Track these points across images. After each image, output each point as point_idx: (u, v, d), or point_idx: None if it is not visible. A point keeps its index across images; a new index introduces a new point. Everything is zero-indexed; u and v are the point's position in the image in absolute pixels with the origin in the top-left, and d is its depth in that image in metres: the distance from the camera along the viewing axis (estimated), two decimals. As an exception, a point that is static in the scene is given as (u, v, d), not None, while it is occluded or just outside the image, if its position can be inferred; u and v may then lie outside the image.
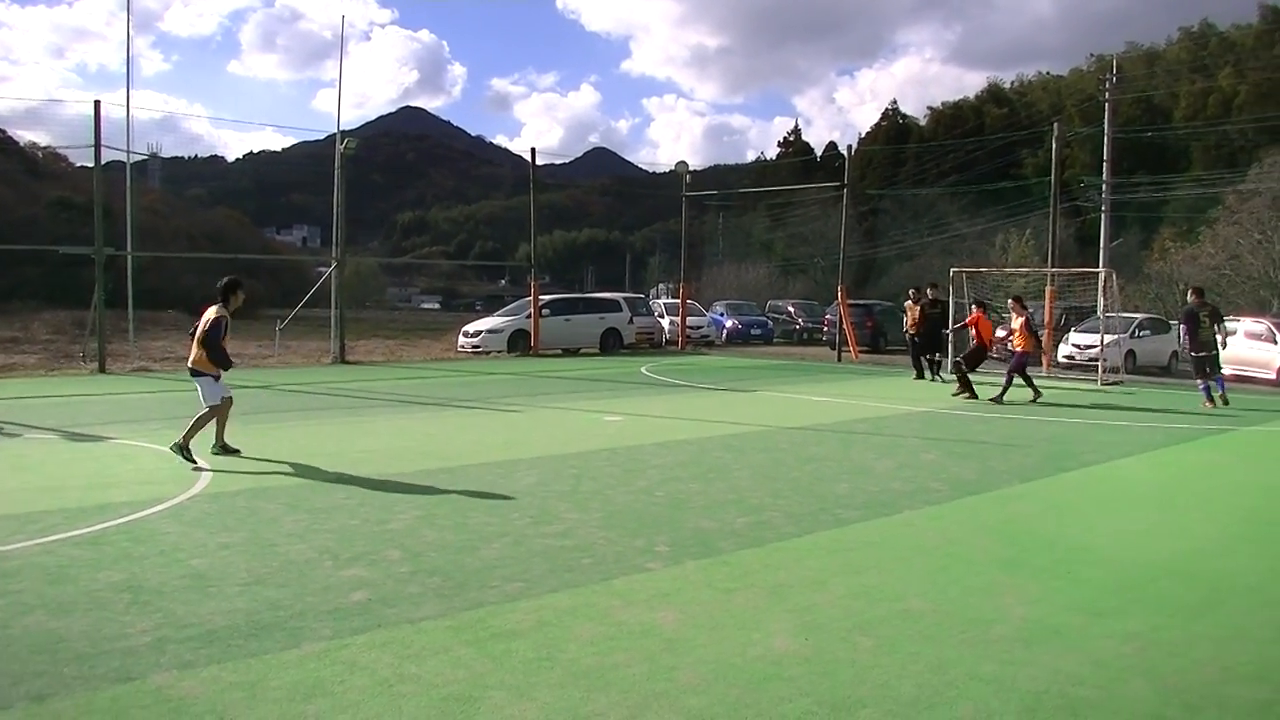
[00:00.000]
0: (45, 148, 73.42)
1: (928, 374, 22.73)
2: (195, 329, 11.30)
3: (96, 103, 23.75)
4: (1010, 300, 19.93)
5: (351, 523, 8.13)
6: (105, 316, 23.83)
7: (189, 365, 11.38)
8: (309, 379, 22.11)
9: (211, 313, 11.13)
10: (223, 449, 11.34)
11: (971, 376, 18.89)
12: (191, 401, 11.70)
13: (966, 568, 7.09)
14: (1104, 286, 24.88)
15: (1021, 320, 18.56)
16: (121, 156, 26.64)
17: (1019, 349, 18.46)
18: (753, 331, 40.77)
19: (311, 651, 5.21)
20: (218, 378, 11.18)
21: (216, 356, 11.01)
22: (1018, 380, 18.32)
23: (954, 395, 18.68)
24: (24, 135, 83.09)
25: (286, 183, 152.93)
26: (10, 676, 4.83)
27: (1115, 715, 4.64)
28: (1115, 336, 24.76)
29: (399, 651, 5.23)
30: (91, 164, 24.50)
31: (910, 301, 23.13)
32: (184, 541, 7.42)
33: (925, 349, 22.77)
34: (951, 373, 18.98)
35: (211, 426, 11.27)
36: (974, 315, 19.47)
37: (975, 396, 18.21)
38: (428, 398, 18.61)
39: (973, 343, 19.22)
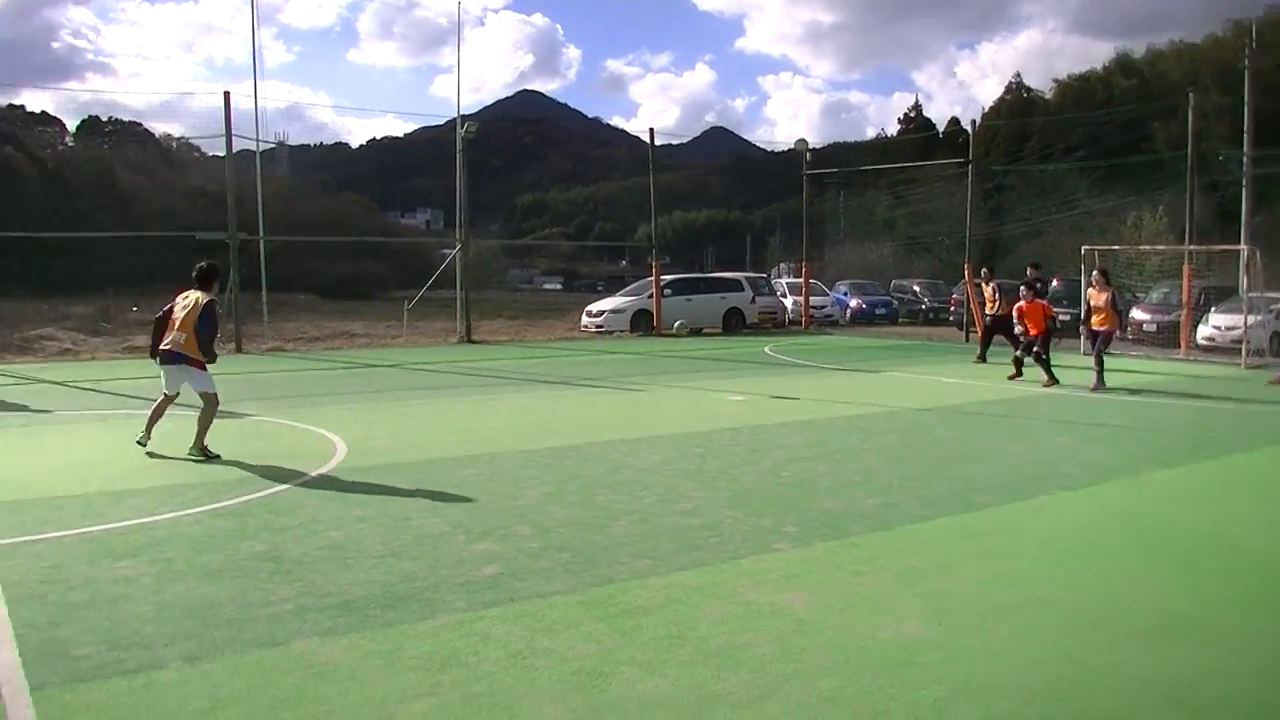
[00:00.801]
0: (179, 139, 76.25)
1: (1020, 356, 21.64)
2: (171, 311, 10.28)
3: (226, 94, 24.54)
4: (1094, 273, 18.93)
5: (481, 498, 8.27)
6: (240, 299, 24.63)
7: (172, 349, 10.18)
8: (437, 358, 22.56)
9: (202, 297, 10.24)
10: (146, 439, 10.24)
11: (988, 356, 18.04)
12: (319, 380, 12.02)
13: (1101, 555, 6.87)
14: (1246, 265, 23.78)
15: (1106, 296, 17.63)
16: (251, 145, 27.46)
17: (1103, 328, 17.51)
18: (877, 311, 40.10)
19: (446, 623, 5.32)
20: (204, 368, 10.30)
21: (209, 348, 10.24)
22: (1028, 359, 17.64)
23: (1044, 386, 17.83)
24: (159, 127, 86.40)
25: (408, 167, 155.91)
26: (164, 638, 5.05)
27: (1264, 713, 4.46)
28: (1259, 317, 23.67)
29: (531, 625, 5.30)
30: (222, 153, 25.34)
31: (983, 281, 22.24)
32: (321, 514, 7.65)
33: (1001, 330, 21.39)
34: (1028, 361, 17.99)
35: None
36: (1023, 304, 18.32)
37: (1057, 381, 17.25)
38: (553, 376, 18.80)
39: (1025, 331, 18.10)
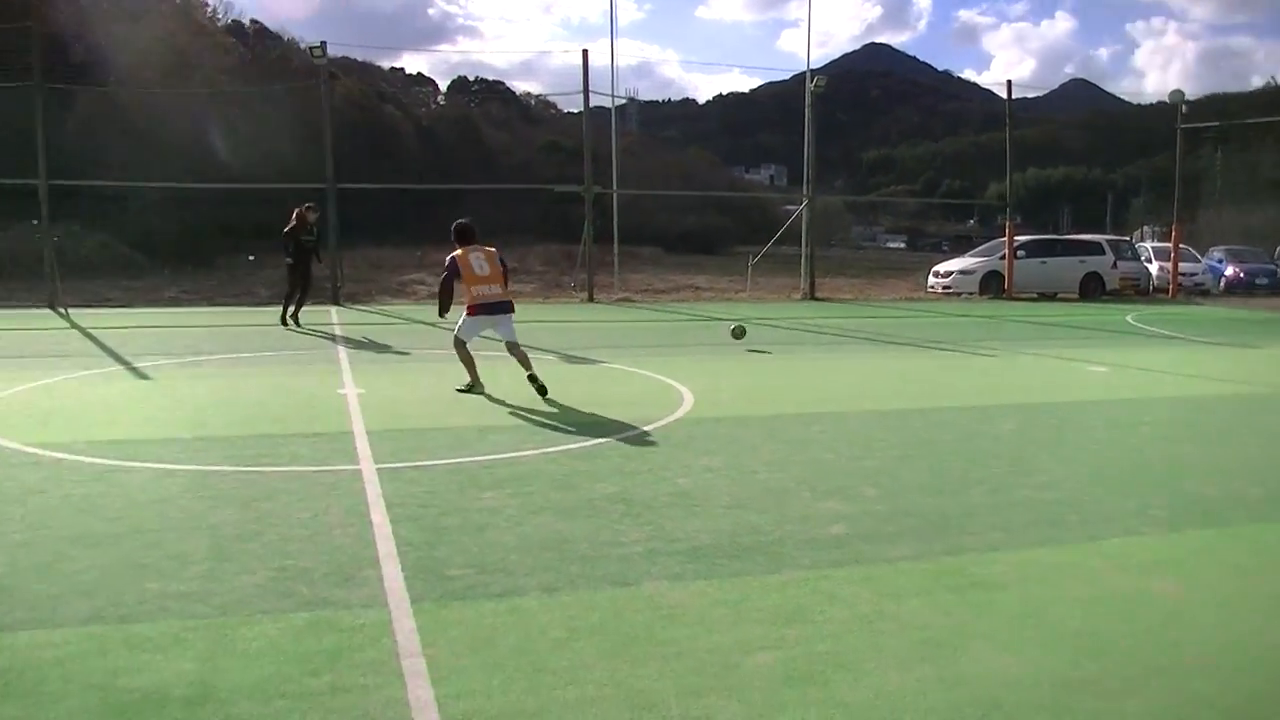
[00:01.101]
0: (537, 96, 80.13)
1: None
2: (468, 268, 10.82)
3: (584, 52, 25.51)
4: None
5: (827, 456, 8.20)
6: (593, 250, 25.67)
7: (506, 299, 11.09)
8: (780, 314, 22.64)
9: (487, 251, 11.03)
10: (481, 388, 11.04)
11: None
12: (666, 332, 12.28)
13: None
14: None
15: None
16: (605, 102, 28.51)
17: None
18: (1258, 281, 36.30)
19: (791, 578, 5.29)
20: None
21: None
22: None
23: None
24: (519, 85, 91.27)
25: (753, 123, 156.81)
26: (525, 568, 5.33)
27: None
28: None
29: (878, 589, 5.18)
30: (576, 109, 26.40)
31: None
32: (670, 461, 7.84)
33: None
34: None
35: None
36: None
37: None
38: (898, 337, 18.38)
39: None
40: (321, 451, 8.03)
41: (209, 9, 66.29)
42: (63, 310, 20.96)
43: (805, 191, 29.19)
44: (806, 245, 28.37)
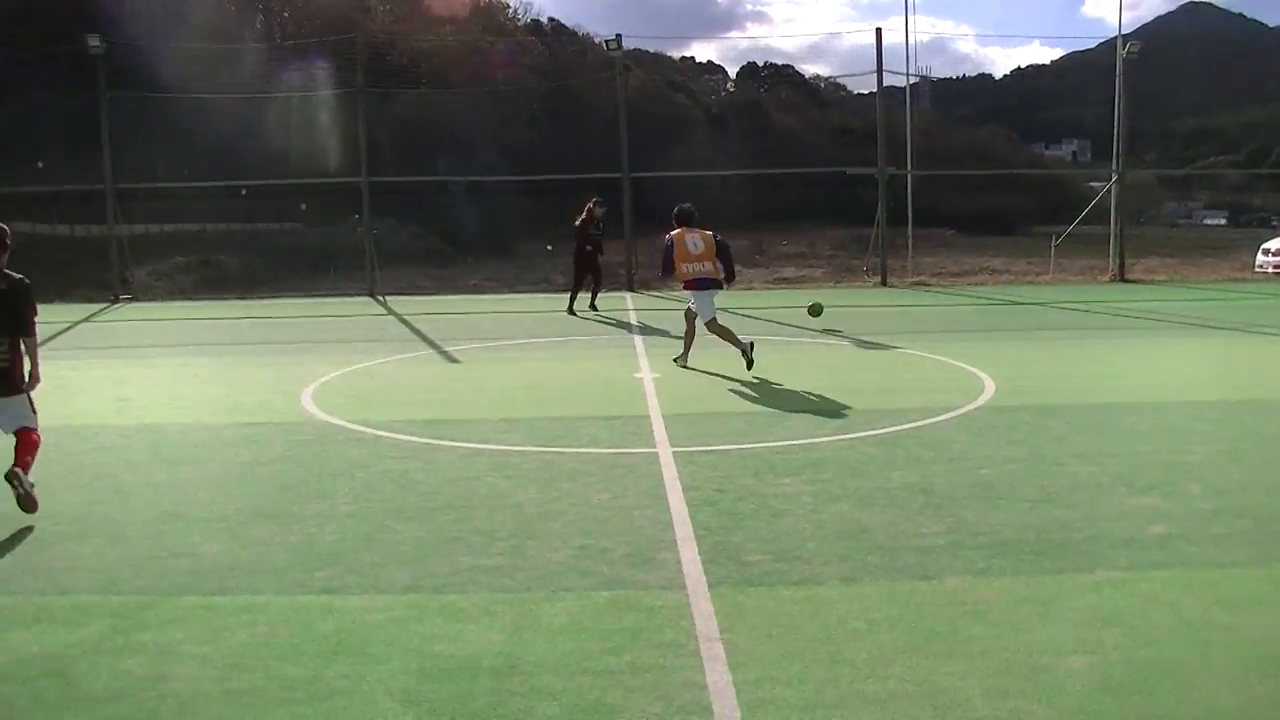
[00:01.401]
0: (827, 79, 79.21)
1: None
2: (684, 249, 11.66)
3: (878, 30, 24.89)
4: None
5: (1143, 449, 7.66)
6: (886, 233, 25.11)
7: (713, 276, 11.77)
8: (1086, 297, 21.35)
9: (709, 234, 11.89)
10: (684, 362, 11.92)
11: None
12: (963, 316, 11.84)
13: None
14: None
15: None
16: (897, 81, 27.78)
17: None
18: None
19: (1107, 579, 4.96)
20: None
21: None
22: None
23: None
24: (808, 69, 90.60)
25: (1054, 96, 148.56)
26: (823, 556, 5.25)
27: None
28: None
29: (1206, 595, 4.77)
30: (865, 90, 25.84)
31: None
32: (971, 451, 7.54)
33: None
34: None
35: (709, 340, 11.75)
36: None
37: None
38: (1222, 322, 16.92)
39: None
40: (619, 434, 8.25)
41: (510, 9, 69.59)
42: (380, 298, 22.57)
43: (1114, 166, 27.37)
44: (1116, 224, 26.62)
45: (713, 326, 11.59)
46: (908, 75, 30.07)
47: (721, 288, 11.97)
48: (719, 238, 11.96)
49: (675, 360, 12.01)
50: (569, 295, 18.63)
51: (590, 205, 18.33)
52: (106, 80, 24.52)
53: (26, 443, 6.37)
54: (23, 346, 6.33)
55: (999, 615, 4.51)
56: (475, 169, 36.23)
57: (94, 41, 23.75)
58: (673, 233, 12.01)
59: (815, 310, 15.78)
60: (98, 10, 36.11)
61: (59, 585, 5.10)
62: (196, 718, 3.72)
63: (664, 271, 12.47)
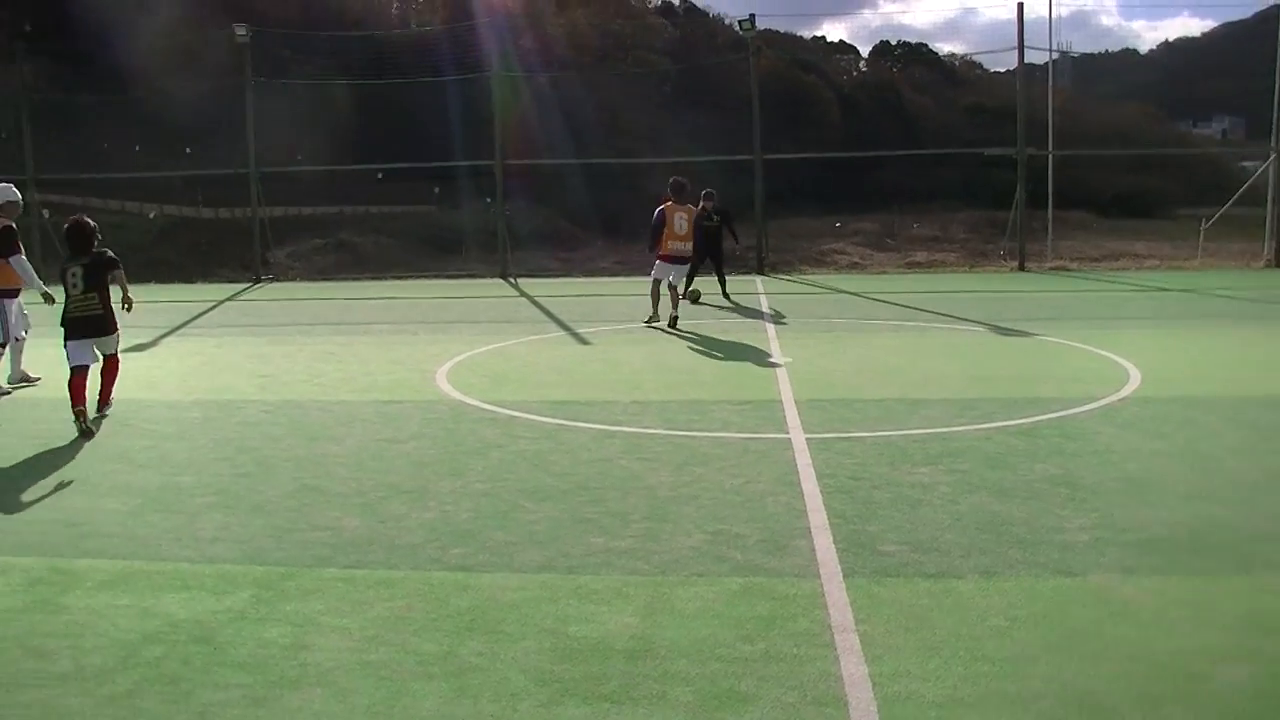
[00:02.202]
0: (961, 56, 77.38)
1: None
2: (671, 224, 13.64)
3: (1019, 4, 24.10)
4: None
5: (1307, 447, 7.26)
6: (1025, 216, 24.39)
7: (689, 256, 14.34)
8: (1239, 283, 20.35)
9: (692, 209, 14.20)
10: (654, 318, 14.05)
11: None
12: (1105, 302, 11.36)
13: None
14: None
15: None
16: (1036, 58, 26.87)
17: None
18: None
19: (1269, 583, 4.71)
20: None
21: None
22: None
23: None
24: (943, 47, 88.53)
25: (1203, 70, 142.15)
26: (961, 548, 5.11)
27: None
28: None
29: (1381, 603, 4.49)
30: (1002, 68, 25.09)
31: None
32: (1116, 443, 7.26)
33: None
34: None
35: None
36: None
37: None
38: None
39: None
40: (751, 419, 8.18)
41: (642, -9, 69.78)
42: (512, 279, 22.86)
43: (1272, 144, 26.07)
44: (1273, 204, 25.34)
45: (657, 287, 13.96)
46: (1050, 51, 29.13)
47: (689, 265, 14.45)
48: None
49: (646, 322, 14.07)
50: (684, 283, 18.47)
51: (702, 197, 18.29)
52: (251, 68, 25.32)
53: (113, 368, 9.01)
54: (112, 296, 8.74)
55: (1149, 616, 4.32)
56: (605, 152, 36.46)
57: (240, 31, 24.57)
58: (664, 206, 13.49)
59: (694, 297, 16.85)
60: (250, 4, 37.43)
61: (206, 554, 5.29)
62: (335, 688, 3.80)
63: (651, 246, 13.86)
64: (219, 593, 4.77)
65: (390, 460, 7.15)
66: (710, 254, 18.21)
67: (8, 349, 10.24)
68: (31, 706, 3.73)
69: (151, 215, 40.67)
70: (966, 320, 14.10)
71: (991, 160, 32.11)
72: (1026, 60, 24.94)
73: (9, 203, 10.17)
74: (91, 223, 8.82)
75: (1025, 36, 23.90)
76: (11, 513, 6.13)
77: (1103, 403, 8.61)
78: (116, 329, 8.81)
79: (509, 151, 25.41)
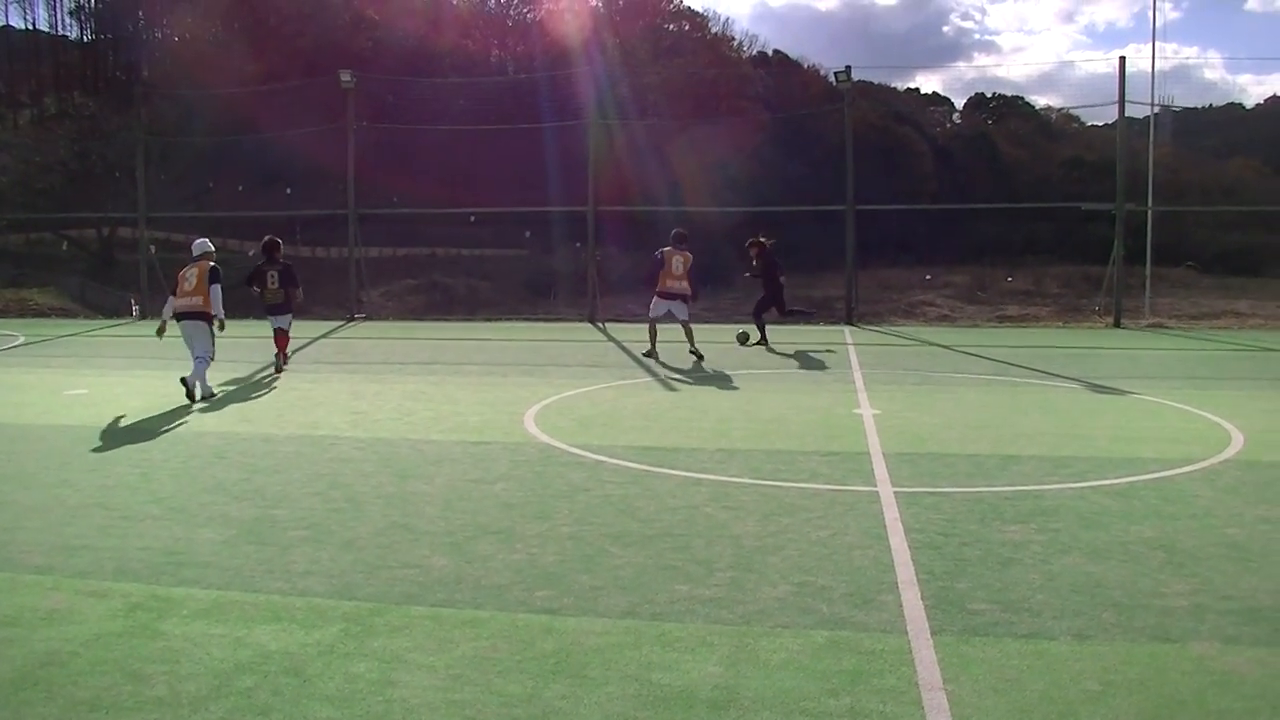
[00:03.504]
0: (1058, 110, 76.49)
1: None
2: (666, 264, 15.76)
3: (1121, 59, 23.85)
4: None
5: None
6: (1122, 271, 23.92)
7: (685, 291, 15.78)
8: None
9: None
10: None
11: None
12: (1206, 362, 11.07)
13: None
14: None
15: None
16: (1136, 111, 26.41)
17: None
18: None
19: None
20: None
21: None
22: None
23: None
24: (1038, 100, 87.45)
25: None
26: (1053, 610, 5.00)
27: None
28: None
29: None
30: (1100, 122, 24.75)
31: None
32: (1217, 507, 7.04)
33: None
34: None
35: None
36: None
37: None
38: None
39: None
40: (839, 470, 8.11)
41: (735, 42, 70.31)
42: (600, 324, 23.01)
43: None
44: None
45: (654, 324, 16.11)
46: (1151, 105, 28.63)
47: (687, 302, 15.77)
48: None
49: (645, 354, 16.02)
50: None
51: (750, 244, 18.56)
52: (354, 112, 26.05)
53: (284, 337, 15.02)
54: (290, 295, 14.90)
55: (1253, 689, 4.18)
56: (696, 199, 36.66)
57: (345, 77, 25.31)
58: (664, 250, 15.70)
59: (742, 338, 18.11)
60: (350, 49, 38.54)
61: (297, 586, 5.39)
62: (421, 726, 3.84)
63: (648, 282, 15.95)
64: (309, 626, 4.85)
65: (478, 501, 7.23)
66: (766, 298, 18.29)
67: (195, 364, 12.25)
68: (129, 730, 3.84)
69: (251, 253, 41.89)
70: (1060, 376, 13.82)
71: (1088, 214, 31.63)
72: (1127, 114, 24.57)
73: (208, 253, 12.71)
74: (281, 241, 15.24)
75: (1126, 90, 23.57)
76: (114, 539, 6.31)
77: (1203, 465, 8.36)
78: (289, 311, 15.03)
79: (601, 197, 25.72)
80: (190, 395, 11.81)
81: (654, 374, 14.30)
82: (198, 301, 12.23)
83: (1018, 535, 6.26)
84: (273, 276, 14.64)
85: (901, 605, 5.05)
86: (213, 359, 12.42)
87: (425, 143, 41.09)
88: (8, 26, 77.55)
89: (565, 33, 55.86)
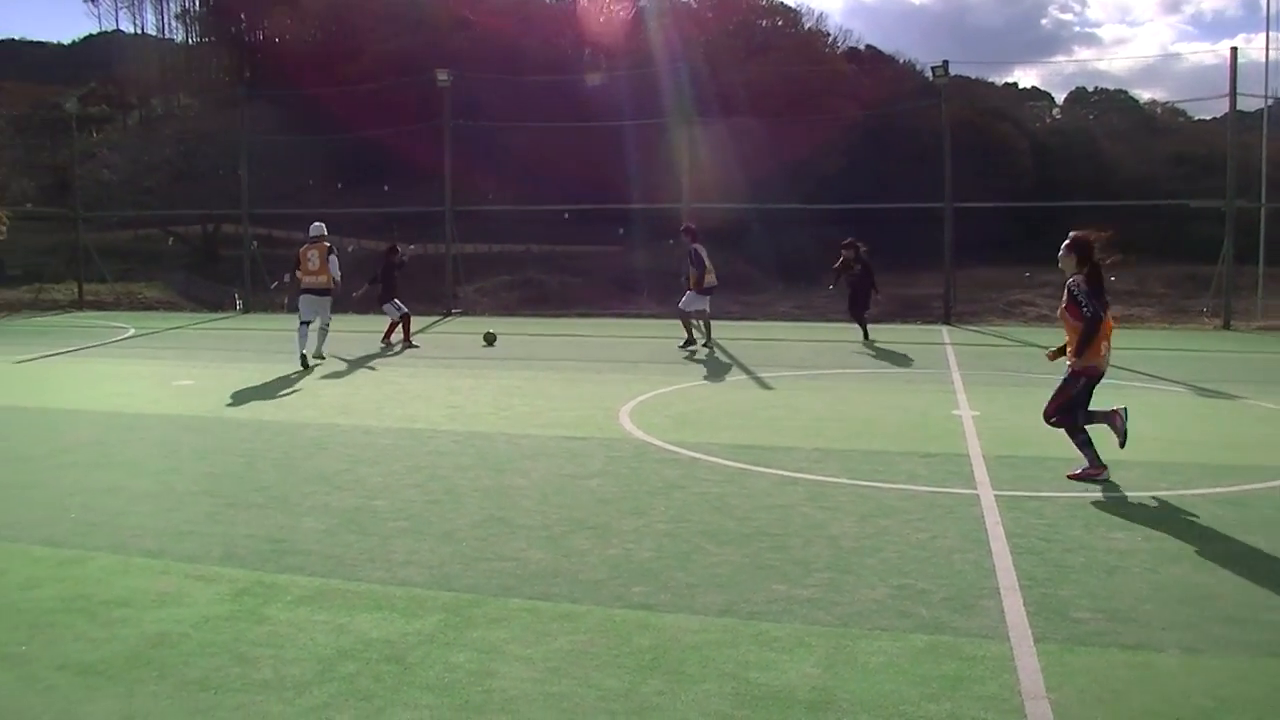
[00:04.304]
0: (1163, 103, 74.32)
1: None
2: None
3: (1232, 50, 23.03)
4: None
5: None
6: (1232, 271, 23.16)
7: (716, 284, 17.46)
8: None
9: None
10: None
11: None
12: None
13: None
14: None
15: None
16: (1247, 105, 25.46)
17: None
18: None
19: None
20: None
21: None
22: None
23: None
24: (1142, 94, 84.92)
25: None
26: (1161, 620, 4.86)
27: None
28: None
29: None
30: (1208, 116, 23.97)
31: None
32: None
33: None
34: None
35: None
36: None
37: None
38: None
39: None
40: (937, 472, 7.98)
41: (830, 38, 69.69)
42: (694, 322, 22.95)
43: None
44: None
45: (690, 316, 17.33)
46: (1265, 97, 27.65)
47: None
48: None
49: (703, 345, 17.12)
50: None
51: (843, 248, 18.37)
52: (451, 111, 26.40)
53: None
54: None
55: None
56: (788, 197, 36.40)
57: (442, 76, 25.66)
58: (700, 247, 16.86)
59: (489, 339, 18.44)
60: (444, 49, 39.05)
61: (398, 576, 5.49)
62: (519, 717, 3.88)
63: (698, 280, 16.78)
64: (409, 615, 4.93)
65: (574, 495, 7.28)
66: (851, 301, 18.17)
67: (318, 333, 15.12)
68: (237, 710, 3.95)
69: (350, 249, 42.71)
70: (1165, 380, 13.42)
71: (1195, 212, 30.69)
72: (1238, 107, 23.78)
73: (324, 235, 15.35)
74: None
75: (1238, 82, 22.80)
76: (220, 525, 6.49)
77: (1324, 474, 8.06)
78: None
79: (692, 195, 25.68)
80: (305, 363, 14.37)
81: (749, 372, 14.24)
82: (322, 280, 14.84)
83: (1123, 543, 6.10)
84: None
85: (1003, 611, 4.96)
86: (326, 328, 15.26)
87: (517, 140, 41.45)
88: (118, 31, 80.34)
89: (656, 30, 55.85)
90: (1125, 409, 7.91)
